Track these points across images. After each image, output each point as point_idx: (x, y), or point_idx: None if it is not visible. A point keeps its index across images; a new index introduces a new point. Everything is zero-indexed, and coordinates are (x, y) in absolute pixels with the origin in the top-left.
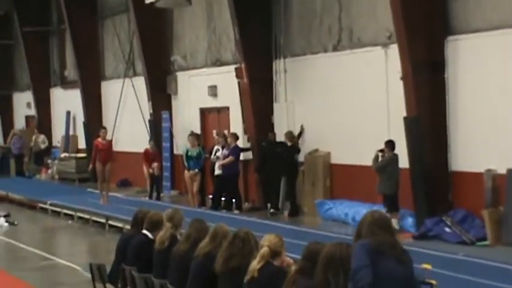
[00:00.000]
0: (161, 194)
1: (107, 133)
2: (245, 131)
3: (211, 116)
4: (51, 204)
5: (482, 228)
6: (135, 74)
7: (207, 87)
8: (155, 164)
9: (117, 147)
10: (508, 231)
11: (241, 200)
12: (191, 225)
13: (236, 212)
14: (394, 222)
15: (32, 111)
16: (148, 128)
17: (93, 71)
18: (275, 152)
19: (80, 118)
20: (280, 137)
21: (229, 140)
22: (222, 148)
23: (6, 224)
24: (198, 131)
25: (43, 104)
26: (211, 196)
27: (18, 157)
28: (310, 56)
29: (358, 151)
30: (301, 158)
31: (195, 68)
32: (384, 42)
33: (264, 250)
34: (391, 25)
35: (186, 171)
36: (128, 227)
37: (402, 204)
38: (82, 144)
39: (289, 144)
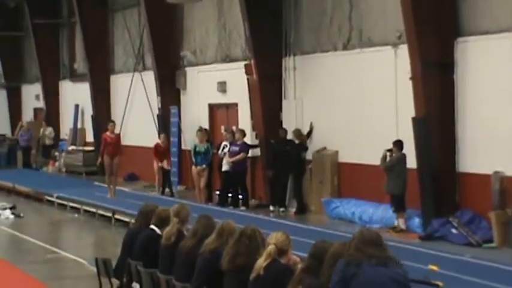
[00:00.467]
0: (173, 191)
1: (115, 127)
2: (253, 128)
3: (219, 112)
4: (57, 197)
5: (489, 230)
6: (144, 69)
7: (216, 83)
8: (165, 162)
9: (125, 141)
10: None
11: (248, 196)
12: (198, 221)
13: (243, 208)
14: (401, 222)
15: (41, 104)
16: (157, 123)
17: (103, 65)
18: (284, 150)
19: (89, 111)
20: (288, 134)
21: (236, 136)
22: (230, 144)
23: (12, 216)
24: (206, 126)
25: (52, 96)
26: (218, 192)
27: (26, 149)
28: (319, 54)
29: (366, 150)
30: (309, 156)
31: (204, 63)
32: (393, 42)
33: (271, 248)
34: (401, 25)
35: (193, 167)
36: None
37: (409, 204)
38: (90, 137)
39: (296, 142)
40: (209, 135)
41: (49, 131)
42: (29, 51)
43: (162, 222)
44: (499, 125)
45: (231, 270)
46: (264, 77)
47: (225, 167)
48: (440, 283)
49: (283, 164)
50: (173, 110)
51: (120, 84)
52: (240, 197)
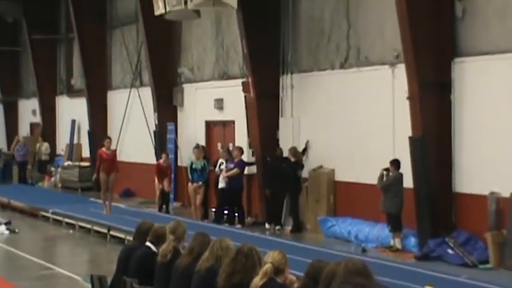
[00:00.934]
0: (169, 208)
1: (111, 143)
2: (250, 145)
3: (216, 129)
4: (53, 213)
5: (485, 250)
6: (141, 85)
7: (213, 100)
8: (166, 183)
9: (121, 157)
10: (511, 254)
11: (244, 214)
12: (195, 238)
13: (238, 226)
14: (397, 242)
15: (37, 119)
16: (153, 139)
17: (100, 80)
18: (279, 168)
19: (85, 127)
20: (284, 152)
21: (234, 153)
22: (226, 161)
23: (7, 232)
24: (203, 143)
25: (48, 111)
26: (214, 209)
27: (22, 164)
28: (317, 73)
29: (363, 169)
30: (305, 174)
31: (202, 80)
32: (391, 61)
33: (267, 267)
34: (398, 45)
35: (189, 184)
36: (130, 237)
37: (405, 223)
38: (86, 153)
39: (292, 159)
40: (206, 152)
41: (45, 146)
42: (27, 66)
43: (158, 240)
44: (495, 145)
45: None
46: (261, 94)
47: (221, 184)
48: None
49: (279, 182)
50: (170, 126)
51: (117, 100)
52: (236, 214)
